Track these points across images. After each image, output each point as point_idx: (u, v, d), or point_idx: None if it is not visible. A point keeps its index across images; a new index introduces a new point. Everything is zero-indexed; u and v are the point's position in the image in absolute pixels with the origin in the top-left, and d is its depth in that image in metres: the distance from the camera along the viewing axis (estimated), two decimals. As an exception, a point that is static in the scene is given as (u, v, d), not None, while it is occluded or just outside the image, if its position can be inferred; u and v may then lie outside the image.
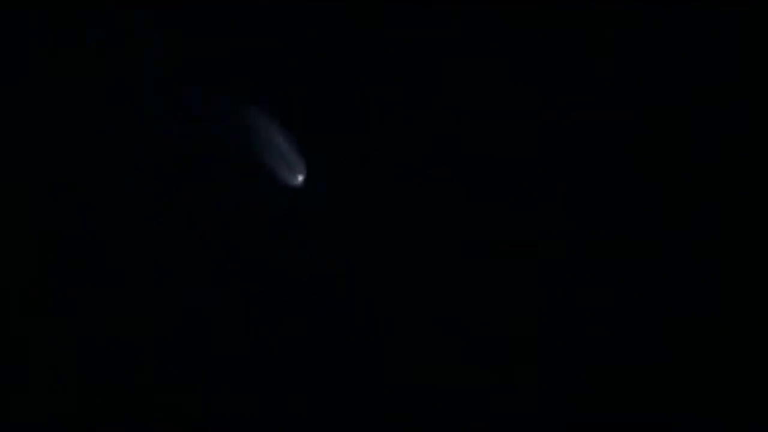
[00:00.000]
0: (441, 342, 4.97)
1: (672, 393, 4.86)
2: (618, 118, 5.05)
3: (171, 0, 4.94)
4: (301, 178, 4.98)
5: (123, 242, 4.99)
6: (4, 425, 4.78)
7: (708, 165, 5.00)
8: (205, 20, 4.99)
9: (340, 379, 4.94)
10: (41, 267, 4.94)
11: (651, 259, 4.99)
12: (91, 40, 4.93)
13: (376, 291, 5.01)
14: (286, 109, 4.98)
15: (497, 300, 4.99)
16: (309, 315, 4.99)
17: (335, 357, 4.94)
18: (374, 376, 4.96)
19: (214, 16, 4.99)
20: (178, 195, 5.03)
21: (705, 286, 4.93)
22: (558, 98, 5.06)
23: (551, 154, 5.05)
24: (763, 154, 4.99)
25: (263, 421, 4.91)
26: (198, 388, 4.91)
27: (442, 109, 5.08)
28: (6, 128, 4.97)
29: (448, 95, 5.08)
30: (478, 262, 5.01)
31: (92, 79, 4.97)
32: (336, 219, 5.06)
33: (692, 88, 5.02)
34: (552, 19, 5.03)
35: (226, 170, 5.00)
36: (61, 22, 4.94)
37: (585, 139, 5.05)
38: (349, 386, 4.93)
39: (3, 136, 4.97)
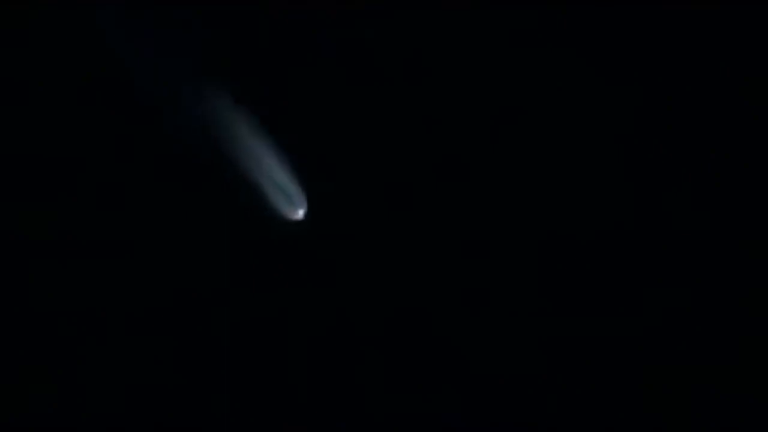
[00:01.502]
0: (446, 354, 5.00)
1: (673, 393, 4.87)
2: (618, 118, 5.05)
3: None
4: (301, 211, 4.97)
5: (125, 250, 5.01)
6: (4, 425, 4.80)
7: (708, 165, 5.01)
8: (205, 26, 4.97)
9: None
10: (36, 267, 4.96)
11: (651, 258, 5.00)
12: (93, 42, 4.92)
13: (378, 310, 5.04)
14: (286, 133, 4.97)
15: (500, 303, 5.01)
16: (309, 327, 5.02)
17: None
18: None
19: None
20: (179, 207, 5.02)
21: (705, 286, 4.95)
22: (558, 98, 5.06)
23: (551, 154, 5.06)
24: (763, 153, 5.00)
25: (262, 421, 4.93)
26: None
27: (446, 130, 5.08)
28: (6, 128, 4.97)
29: (451, 110, 5.09)
30: (479, 284, 5.03)
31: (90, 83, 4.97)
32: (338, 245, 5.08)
33: (692, 88, 5.03)
34: (552, 19, 5.03)
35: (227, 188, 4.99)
36: (60, 22, 4.93)
37: (585, 139, 5.05)
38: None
39: (3, 135, 4.97)
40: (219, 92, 4.85)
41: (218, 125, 4.85)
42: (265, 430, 4.90)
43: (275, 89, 4.96)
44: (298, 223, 4.97)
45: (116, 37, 4.81)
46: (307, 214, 4.95)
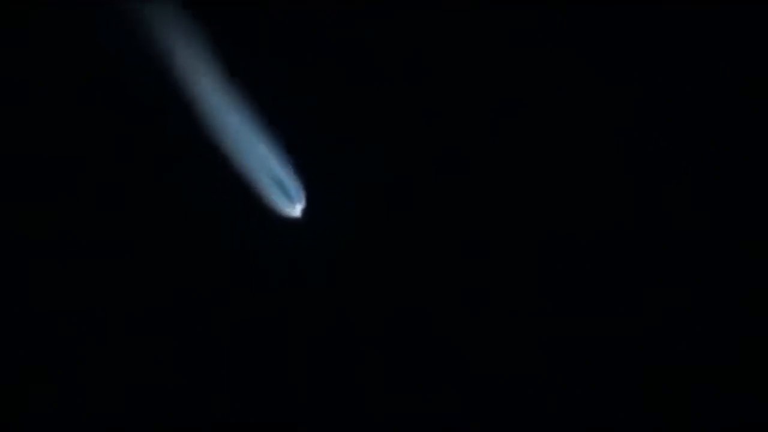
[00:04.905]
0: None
1: (674, 393, 4.87)
2: (618, 118, 5.05)
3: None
4: (299, 207, 4.92)
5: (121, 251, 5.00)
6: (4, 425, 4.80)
7: (709, 165, 5.01)
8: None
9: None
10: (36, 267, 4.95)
11: (651, 258, 5.00)
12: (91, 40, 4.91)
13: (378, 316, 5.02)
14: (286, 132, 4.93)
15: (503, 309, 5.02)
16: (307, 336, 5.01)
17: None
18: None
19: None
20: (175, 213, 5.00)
21: (705, 286, 4.95)
22: (558, 98, 5.06)
23: (552, 154, 5.06)
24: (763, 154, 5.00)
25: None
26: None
27: (447, 125, 5.08)
28: (6, 128, 4.97)
29: (450, 107, 5.08)
30: (481, 287, 5.03)
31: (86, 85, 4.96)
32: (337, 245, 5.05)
33: (692, 88, 5.02)
34: (552, 19, 5.02)
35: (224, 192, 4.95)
36: (60, 22, 4.92)
37: (585, 139, 5.05)
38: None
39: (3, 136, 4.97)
40: (218, 91, 4.84)
41: (216, 124, 4.84)
42: (265, 430, 4.91)
43: (275, 88, 4.95)
44: (295, 220, 4.94)
45: (116, 36, 4.81)
46: (304, 211, 4.91)
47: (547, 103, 5.06)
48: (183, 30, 4.80)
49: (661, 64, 5.02)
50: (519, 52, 5.04)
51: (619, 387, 4.90)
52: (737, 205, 4.98)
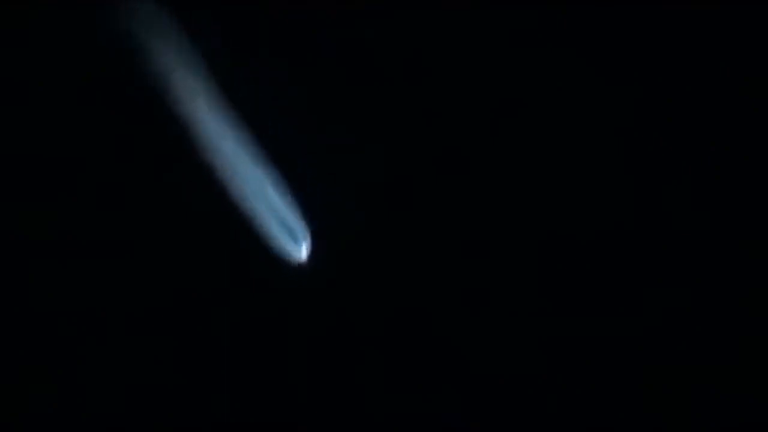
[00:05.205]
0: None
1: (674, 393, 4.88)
2: (618, 118, 5.05)
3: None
4: (305, 248, 4.88)
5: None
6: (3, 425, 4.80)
7: (709, 165, 5.01)
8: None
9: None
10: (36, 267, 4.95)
11: (651, 258, 5.00)
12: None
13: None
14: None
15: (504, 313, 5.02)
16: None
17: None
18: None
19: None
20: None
21: (705, 286, 4.95)
22: (558, 98, 5.06)
23: (553, 154, 5.06)
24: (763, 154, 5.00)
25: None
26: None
27: (449, 128, 5.07)
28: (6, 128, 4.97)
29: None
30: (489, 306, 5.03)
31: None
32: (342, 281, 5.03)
33: (692, 88, 5.03)
34: (552, 19, 5.02)
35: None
36: (60, 22, 4.92)
37: (585, 139, 5.06)
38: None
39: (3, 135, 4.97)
40: (220, 94, 4.84)
41: (213, 136, 4.82)
42: (265, 430, 4.91)
43: (276, 88, 4.95)
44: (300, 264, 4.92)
45: (117, 36, 4.80)
46: (310, 249, 4.89)
47: (548, 103, 5.06)
48: (184, 31, 4.79)
49: (661, 64, 5.02)
50: (519, 52, 5.04)
51: (619, 387, 4.90)
52: (737, 205, 4.98)
